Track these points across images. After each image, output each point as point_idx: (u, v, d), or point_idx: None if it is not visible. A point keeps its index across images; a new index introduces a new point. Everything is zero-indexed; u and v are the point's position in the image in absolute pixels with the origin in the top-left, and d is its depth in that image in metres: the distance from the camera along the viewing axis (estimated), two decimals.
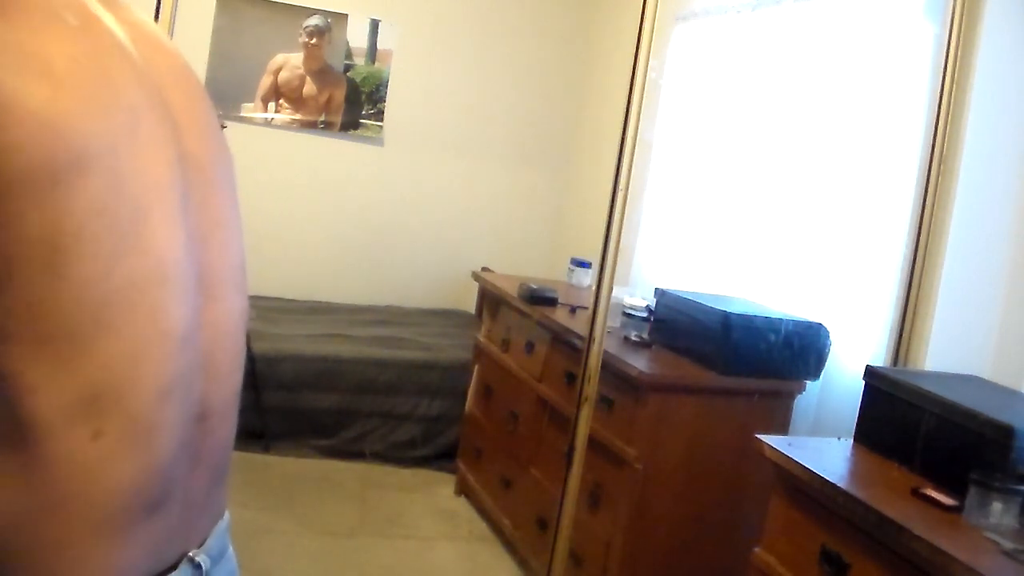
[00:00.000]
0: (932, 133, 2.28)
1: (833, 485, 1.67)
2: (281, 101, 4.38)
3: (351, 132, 4.51)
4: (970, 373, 2.19)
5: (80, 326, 0.66)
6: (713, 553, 2.42)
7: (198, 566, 0.80)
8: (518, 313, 3.15)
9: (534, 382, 2.96)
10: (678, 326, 2.56)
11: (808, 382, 2.47)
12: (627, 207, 2.11)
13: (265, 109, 4.37)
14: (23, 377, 0.64)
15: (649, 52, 2.05)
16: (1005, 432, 1.62)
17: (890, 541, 1.52)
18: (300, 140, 4.45)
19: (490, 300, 3.55)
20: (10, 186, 0.62)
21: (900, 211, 2.39)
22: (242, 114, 4.31)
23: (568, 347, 2.73)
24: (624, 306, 2.98)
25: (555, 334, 2.87)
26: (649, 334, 2.67)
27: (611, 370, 2.36)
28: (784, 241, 2.82)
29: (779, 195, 2.87)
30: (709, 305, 2.45)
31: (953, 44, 2.25)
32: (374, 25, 4.47)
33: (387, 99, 4.53)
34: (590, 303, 2.18)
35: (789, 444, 1.88)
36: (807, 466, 1.74)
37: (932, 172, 2.27)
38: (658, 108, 3.53)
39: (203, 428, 0.79)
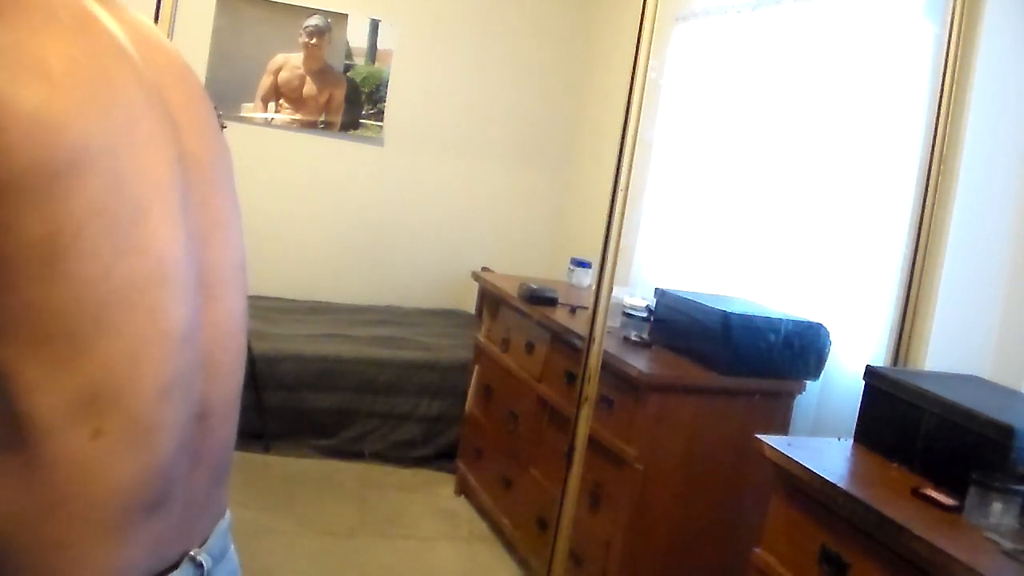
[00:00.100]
0: (932, 133, 2.28)
1: (833, 485, 1.67)
2: (281, 101, 4.38)
3: (351, 132, 4.51)
4: (970, 373, 2.19)
5: (80, 326, 0.66)
6: (713, 553, 2.42)
7: (199, 565, 0.80)
8: (518, 313, 3.15)
9: (534, 382, 2.96)
10: (678, 326, 2.56)
11: (808, 382, 2.47)
12: (627, 207, 2.11)
13: (265, 109, 4.37)
14: (22, 376, 0.64)
15: (649, 52, 2.05)
16: (1005, 432, 1.62)
17: (890, 541, 1.52)
18: (300, 140, 4.45)
19: (490, 300, 3.55)
20: (8, 187, 0.62)
21: (900, 211, 2.39)
22: (242, 114, 4.31)
23: (568, 347, 2.73)
24: (624, 306, 2.98)
25: (555, 334, 2.87)
26: (649, 334, 2.67)
27: (611, 370, 2.36)
28: (784, 241, 2.82)
29: (779, 195, 2.87)
30: (709, 305, 2.45)
31: (953, 44, 2.25)
32: (374, 25, 4.47)
33: (387, 99, 4.53)
34: (590, 303, 2.18)
35: (789, 444, 1.88)
36: (807, 466, 1.74)
37: (932, 172, 2.27)
38: (658, 108, 3.53)
39: (203, 428, 0.79)
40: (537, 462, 2.87)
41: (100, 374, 0.67)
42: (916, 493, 1.65)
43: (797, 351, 2.40)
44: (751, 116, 3.07)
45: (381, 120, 4.54)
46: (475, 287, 4.49)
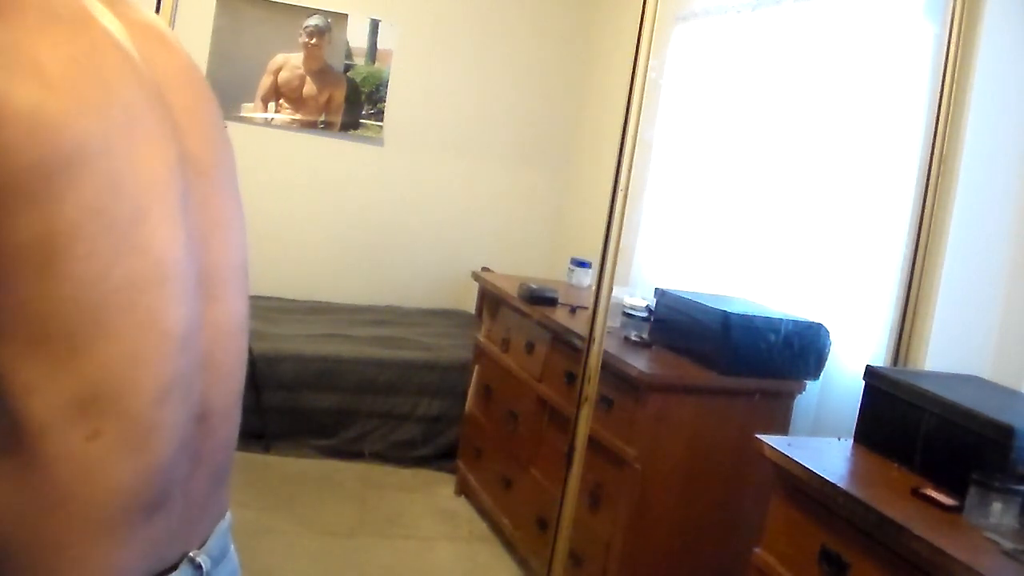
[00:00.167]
0: (932, 133, 2.28)
1: (833, 485, 1.67)
2: (281, 101, 4.38)
3: (351, 132, 4.51)
4: (970, 373, 2.19)
5: (78, 326, 0.66)
6: (713, 553, 2.42)
7: (198, 566, 0.80)
8: (518, 313, 3.15)
9: (534, 382, 2.96)
10: (678, 326, 2.56)
11: (808, 382, 2.47)
12: (627, 207, 2.11)
13: (265, 109, 4.37)
14: (20, 376, 0.64)
15: (649, 52, 2.05)
16: (1005, 432, 1.62)
17: (890, 541, 1.52)
18: (300, 140, 4.45)
19: (490, 300, 3.55)
20: (4, 187, 0.62)
21: (900, 211, 2.39)
22: (242, 114, 4.31)
23: (568, 347, 2.73)
24: (624, 306, 2.98)
25: (555, 334, 2.87)
26: (649, 334, 2.67)
27: (611, 370, 2.36)
28: (784, 241, 2.82)
29: (779, 195, 2.87)
30: (709, 305, 2.45)
31: (953, 44, 2.25)
32: (374, 25, 4.47)
33: (387, 99, 4.53)
34: (590, 303, 2.17)
35: (789, 444, 1.88)
36: (807, 466, 1.74)
37: (932, 172, 2.27)
38: (658, 108, 3.53)
39: (204, 428, 0.79)
40: (537, 462, 2.87)
41: (99, 374, 0.67)
42: (916, 493, 1.65)
43: (797, 351, 2.40)
44: (751, 116, 3.07)
45: (381, 120, 4.54)
46: (475, 287, 4.49)
